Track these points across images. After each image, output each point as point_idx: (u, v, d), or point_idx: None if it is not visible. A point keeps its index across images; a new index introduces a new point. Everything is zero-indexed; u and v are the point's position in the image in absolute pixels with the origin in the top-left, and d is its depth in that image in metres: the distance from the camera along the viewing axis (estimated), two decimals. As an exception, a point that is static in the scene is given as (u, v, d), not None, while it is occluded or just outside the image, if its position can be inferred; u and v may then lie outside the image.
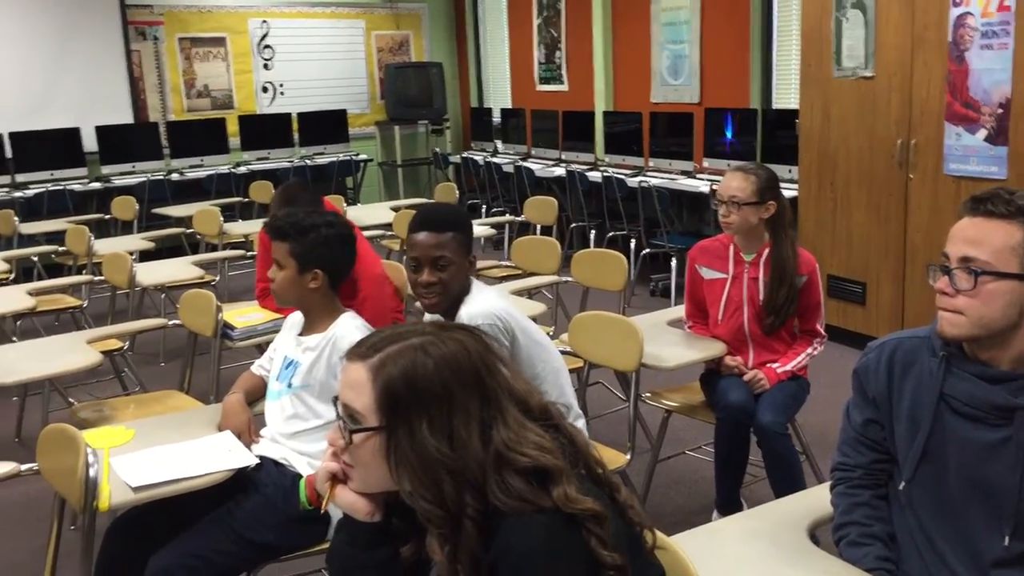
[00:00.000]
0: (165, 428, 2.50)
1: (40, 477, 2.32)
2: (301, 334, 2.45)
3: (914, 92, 4.38)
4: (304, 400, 2.35)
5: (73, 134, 7.38)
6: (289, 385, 2.38)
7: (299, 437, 2.33)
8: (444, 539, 1.19)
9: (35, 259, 5.65)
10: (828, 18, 4.74)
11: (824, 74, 4.81)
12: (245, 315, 3.57)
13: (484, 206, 8.01)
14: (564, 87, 8.24)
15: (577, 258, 3.99)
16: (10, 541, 3.21)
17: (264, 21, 8.47)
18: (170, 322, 3.69)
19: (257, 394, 2.57)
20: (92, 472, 2.03)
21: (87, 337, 3.42)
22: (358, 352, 1.26)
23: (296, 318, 2.53)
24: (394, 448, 1.21)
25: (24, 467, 2.32)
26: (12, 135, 7.11)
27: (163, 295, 5.55)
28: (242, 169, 7.97)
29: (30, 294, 4.19)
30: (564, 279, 4.17)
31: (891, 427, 1.63)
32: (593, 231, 6.82)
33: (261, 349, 3.80)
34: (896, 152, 4.48)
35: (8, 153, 7.10)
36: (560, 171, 7.22)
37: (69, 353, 3.25)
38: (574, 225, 6.92)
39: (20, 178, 7.10)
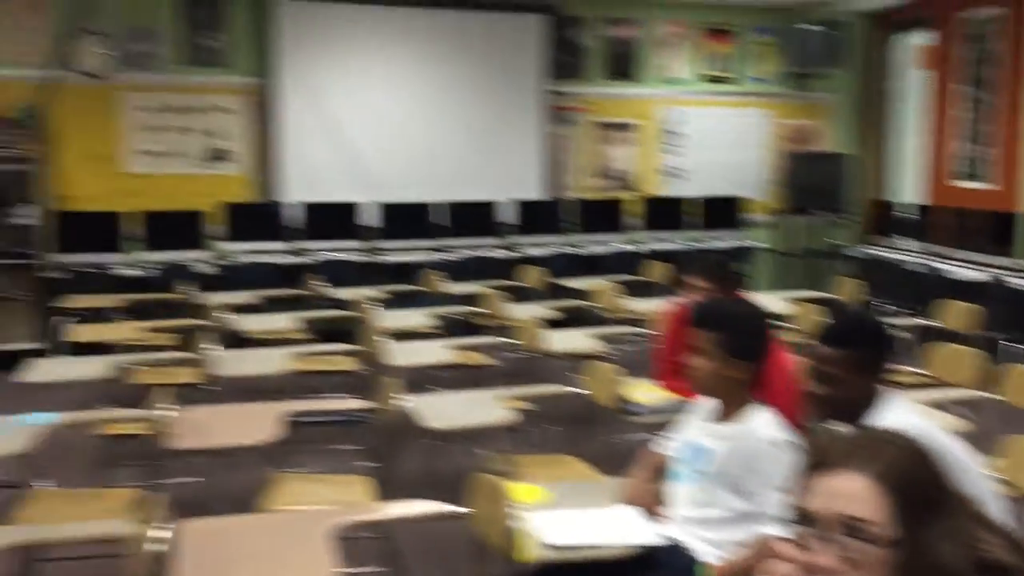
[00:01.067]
0: (575, 494, 2.64)
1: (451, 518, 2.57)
2: (712, 421, 2.48)
3: None
4: (712, 488, 2.36)
5: (495, 207, 8.16)
6: (697, 471, 2.41)
7: (705, 525, 2.34)
8: None
9: (456, 317, 6.27)
10: None
11: None
12: (646, 392, 3.69)
13: (885, 305, 7.56)
14: (984, 184, 7.59)
15: (1012, 374, 3.63)
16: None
17: (674, 109, 8.81)
18: (573, 390, 3.90)
19: (660, 473, 2.63)
20: (516, 524, 2.20)
21: (501, 395, 3.73)
22: (840, 460, 1.23)
23: (704, 403, 2.56)
24: (911, 557, 1.18)
25: (453, 508, 2.56)
26: (446, 204, 8.02)
27: (564, 362, 5.91)
28: (639, 248, 8.28)
29: (451, 349, 4.68)
30: (987, 395, 3.81)
31: None
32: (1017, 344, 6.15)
33: (655, 427, 3.90)
34: None
35: (441, 220, 8.01)
36: (975, 274, 6.63)
37: (487, 408, 3.57)
38: (996, 335, 6.29)
39: (448, 243, 7.97)
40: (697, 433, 2.50)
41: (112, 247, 7.16)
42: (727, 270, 3.70)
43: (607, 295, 6.11)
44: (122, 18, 7.24)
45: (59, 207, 7.15)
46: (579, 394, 3.86)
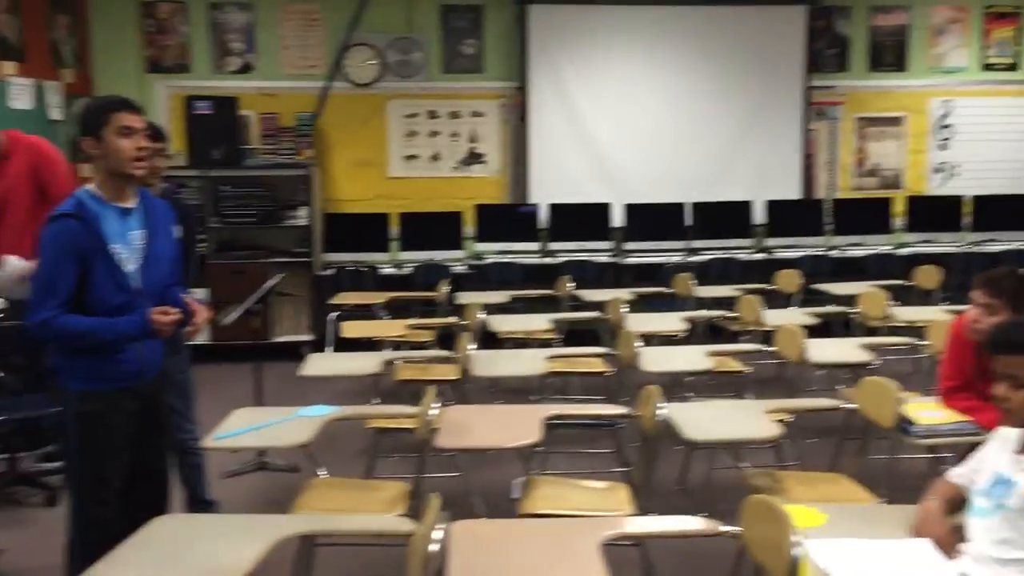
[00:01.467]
0: (853, 518, 2.46)
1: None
2: (1020, 451, 2.21)
3: None
4: (1020, 525, 2.11)
5: (745, 207, 7.88)
6: (1001, 506, 2.17)
7: (1012, 565, 2.10)
8: None
9: (705, 321, 6.09)
10: None
11: None
12: (926, 411, 3.39)
13: None
14: None
15: None
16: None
17: (947, 100, 8.13)
18: (844, 404, 3.64)
19: (955, 504, 2.39)
20: (797, 551, 2.06)
21: (764, 407, 3.55)
22: None
23: (1009, 432, 2.29)
24: None
25: (723, 528, 2.45)
26: (694, 205, 7.84)
27: (822, 372, 5.61)
28: (904, 251, 7.72)
29: (705, 355, 4.53)
30: None
31: None
32: None
33: (937, 450, 3.59)
34: None
35: (688, 221, 7.84)
36: None
37: (749, 420, 3.41)
38: None
39: (696, 244, 7.79)
40: (1002, 463, 2.24)
41: (375, 247, 7.58)
42: (1020, 282, 3.31)
43: (872, 301, 5.71)
44: (388, 29, 7.64)
45: (328, 209, 7.67)
46: (846, 408, 3.60)
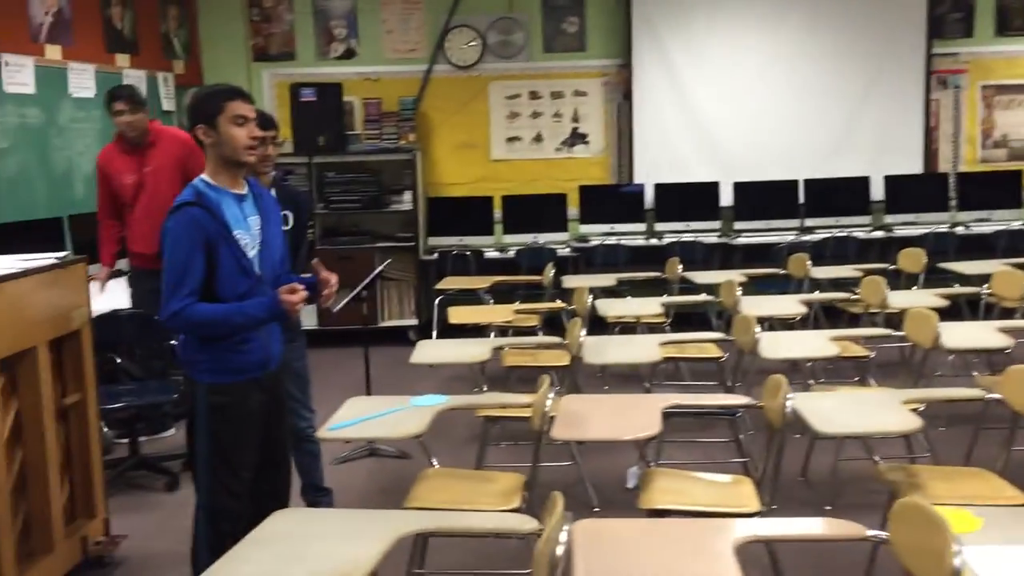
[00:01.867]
0: (1012, 522, 2.26)
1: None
2: None
3: None
4: None
5: (863, 183, 7.53)
6: None
7: None
8: None
9: (822, 303, 5.83)
10: None
11: None
12: (1081, 402, 3.12)
13: None
14: None
15: None
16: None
17: (1085, 64, 7.60)
18: (988, 395, 3.39)
19: None
20: (958, 562, 1.88)
21: (900, 397, 3.34)
22: None
23: None
24: None
25: (871, 533, 2.28)
26: (806, 182, 7.53)
27: (949, 356, 5.30)
28: (1038, 226, 7.26)
29: (828, 340, 4.30)
30: None
31: None
32: None
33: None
34: None
35: (801, 199, 7.53)
36: None
37: (884, 411, 3.20)
38: None
39: (809, 223, 7.48)
40: None
41: (479, 230, 7.51)
42: None
43: (1007, 281, 5.35)
44: (489, 10, 7.55)
45: (432, 193, 7.65)
46: (996, 401, 3.34)
